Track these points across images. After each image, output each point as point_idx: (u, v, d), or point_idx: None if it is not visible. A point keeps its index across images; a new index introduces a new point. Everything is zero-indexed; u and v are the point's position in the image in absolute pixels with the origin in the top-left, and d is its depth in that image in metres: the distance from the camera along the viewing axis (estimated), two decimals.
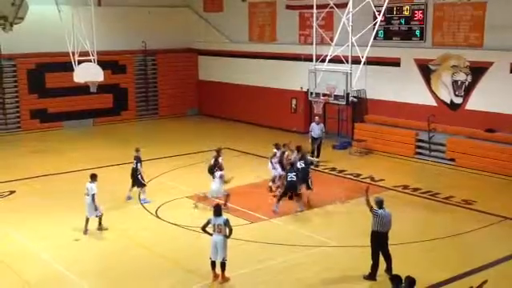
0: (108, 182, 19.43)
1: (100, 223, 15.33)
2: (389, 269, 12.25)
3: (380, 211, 12.32)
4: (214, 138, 26.78)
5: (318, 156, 22.04)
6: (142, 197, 17.68)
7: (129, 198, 17.78)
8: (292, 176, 16.55)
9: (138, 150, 17.97)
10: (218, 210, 12.34)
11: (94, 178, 15.25)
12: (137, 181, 17.63)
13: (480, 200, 17.51)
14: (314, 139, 22.06)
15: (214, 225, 12.20)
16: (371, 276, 12.33)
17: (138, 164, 17.64)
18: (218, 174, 16.81)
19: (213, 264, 12.27)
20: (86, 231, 15.02)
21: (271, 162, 18.56)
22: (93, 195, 14.93)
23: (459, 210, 16.93)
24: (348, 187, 19.31)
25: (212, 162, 17.85)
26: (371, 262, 12.36)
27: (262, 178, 19.35)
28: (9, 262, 13.52)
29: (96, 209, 15.07)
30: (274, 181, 18.41)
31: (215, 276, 12.28)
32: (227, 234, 12.24)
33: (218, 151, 18.15)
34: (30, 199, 17.80)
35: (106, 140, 26.84)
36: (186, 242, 14.78)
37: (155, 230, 15.53)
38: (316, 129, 22.02)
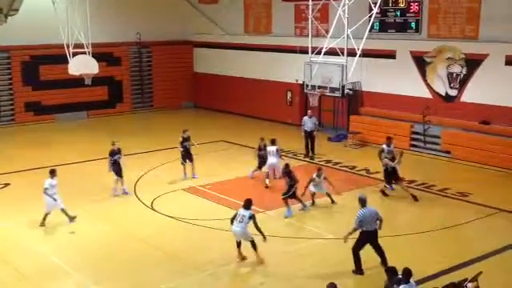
0: (103, 175, 19.46)
1: (67, 215, 15.28)
2: (384, 261, 12.25)
3: (364, 211, 12.23)
4: (210, 130, 26.81)
5: (312, 150, 21.98)
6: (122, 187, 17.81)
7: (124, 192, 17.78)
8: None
9: (113, 144, 17.82)
10: (248, 204, 12.87)
11: (52, 173, 15.44)
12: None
13: (475, 192, 17.56)
14: (306, 133, 21.96)
15: (238, 214, 12.75)
16: (358, 270, 12.22)
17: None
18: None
19: (237, 244, 12.87)
20: (42, 223, 15.08)
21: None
22: (45, 189, 15.05)
23: (454, 202, 16.98)
24: (343, 179, 19.33)
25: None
26: (353, 258, 12.27)
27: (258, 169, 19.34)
28: (4, 254, 13.50)
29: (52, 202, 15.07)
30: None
31: (240, 254, 12.88)
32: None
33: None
34: (25, 191, 17.76)
35: (101, 133, 26.75)
36: (181, 234, 14.79)
37: (150, 222, 15.53)
38: (308, 122, 21.91)
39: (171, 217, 15.73)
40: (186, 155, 19.15)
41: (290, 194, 15.82)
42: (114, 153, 17.62)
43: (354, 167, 20.64)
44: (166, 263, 13.01)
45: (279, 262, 13.03)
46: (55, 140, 25.30)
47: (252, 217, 12.64)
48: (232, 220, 12.84)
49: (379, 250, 12.39)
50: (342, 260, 13.09)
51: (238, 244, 12.85)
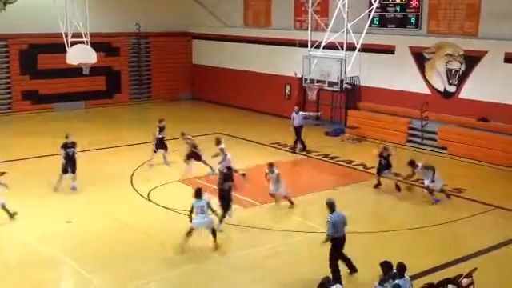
0: (99, 165, 19.48)
1: (7, 212, 14.73)
2: (352, 268, 11.88)
3: (334, 216, 11.66)
4: (207, 122, 26.79)
5: (302, 144, 21.80)
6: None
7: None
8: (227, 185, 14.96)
9: (67, 137, 17.44)
10: (198, 193, 12.90)
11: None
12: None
13: (471, 188, 17.59)
14: (295, 129, 21.68)
15: (196, 207, 12.79)
16: (337, 280, 11.23)
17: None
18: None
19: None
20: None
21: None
22: None
23: (451, 198, 16.98)
24: (340, 174, 19.35)
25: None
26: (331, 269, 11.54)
27: (255, 163, 19.34)
28: (3, 244, 13.48)
29: None
30: None
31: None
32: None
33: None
34: (21, 181, 17.69)
35: (98, 123, 26.72)
36: (177, 225, 14.73)
37: (146, 213, 15.52)
38: (296, 118, 21.64)
39: (167, 208, 15.73)
40: (161, 144, 19.57)
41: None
42: (67, 146, 17.05)
43: (350, 162, 20.64)
44: (161, 253, 13.02)
45: (275, 255, 13.05)
46: (52, 129, 25.19)
47: (209, 203, 12.89)
48: (190, 214, 12.85)
49: (346, 259, 11.84)
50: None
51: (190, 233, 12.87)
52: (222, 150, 17.44)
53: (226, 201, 14.25)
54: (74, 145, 17.26)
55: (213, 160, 17.73)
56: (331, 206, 11.78)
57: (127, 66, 31.54)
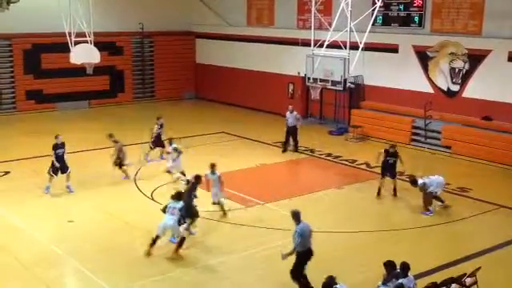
0: (103, 164, 19.46)
1: None
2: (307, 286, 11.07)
3: (301, 226, 10.93)
4: (211, 121, 26.82)
5: (295, 144, 21.54)
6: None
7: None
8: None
9: (57, 137, 17.16)
10: (178, 195, 12.84)
11: None
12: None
13: (475, 188, 17.56)
14: (288, 128, 21.36)
15: (169, 207, 12.66)
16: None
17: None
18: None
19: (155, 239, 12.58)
20: None
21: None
22: None
23: (454, 197, 16.95)
24: (343, 173, 19.34)
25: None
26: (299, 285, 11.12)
27: (259, 162, 19.35)
28: (2, 242, 13.51)
29: None
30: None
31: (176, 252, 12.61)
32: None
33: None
34: (25, 180, 17.75)
35: (102, 122, 26.73)
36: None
37: (150, 213, 15.47)
38: (290, 118, 21.35)
39: None
40: (158, 142, 19.75)
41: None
42: (58, 147, 16.84)
43: (354, 161, 20.62)
44: (165, 253, 12.99)
45: (277, 255, 13.03)
46: (56, 129, 25.19)
47: (182, 209, 12.59)
48: (164, 211, 12.77)
49: (304, 275, 11.06)
50: (339, 254, 13.13)
51: (156, 239, 12.53)
52: (175, 149, 17.50)
53: (189, 212, 13.52)
54: (63, 145, 16.96)
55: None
56: (296, 216, 11.01)
57: (131, 66, 31.56)
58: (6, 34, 27.65)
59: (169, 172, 17.61)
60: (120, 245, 13.47)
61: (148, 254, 12.55)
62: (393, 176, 16.83)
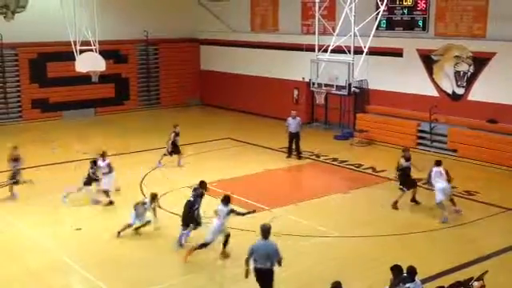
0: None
1: None
2: None
3: (258, 243, 10.35)
4: (217, 128, 26.85)
5: (298, 151, 21.32)
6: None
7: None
8: (192, 195, 14.15)
9: (14, 148, 17.32)
10: (225, 200, 12.80)
11: None
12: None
13: (482, 191, 17.51)
14: (291, 134, 21.17)
15: (217, 210, 12.80)
16: None
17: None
18: None
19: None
20: None
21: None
22: None
23: (461, 200, 16.87)
24: (349, 178, 19.32)
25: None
26: None
27: (264, 167, 19.37)
28: (10, 250, 13.57)
29: None
30: None
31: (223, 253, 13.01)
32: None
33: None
34: (32, 188, 17.79)
35: (108, 130, 26.83)
36: None
37: (156, 219, 15.52)
38: (293, 124, 21.17)
39: (177, 214, 15.71)
40: (175, 149, 19.98)
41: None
42: (15, 159, 16.80)
43: (360, 165, 20.60)
44: (170, 260, 13.03)
45: (284, 259, 13.02)
46: (63, 137, 25.35)
47: (230, 212, 12.70)
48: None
49: None
50: (346, 258, 13.12)
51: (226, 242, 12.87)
52: (108, 165, 16.71)
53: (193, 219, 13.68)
54: (18, 159, 16.85)
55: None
56: (264, 232, 10.35)
57: (136, 73, 31.67)
58: (12, 44, 27.81)
59: (106, 193, 16.52)
60: (126, 252, 13.49)
61: (226, 256, 12.89)
62: (413, 185, 16.26)
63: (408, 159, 16.47)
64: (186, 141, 23.59)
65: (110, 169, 16.73)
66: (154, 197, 14.50)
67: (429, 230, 14.58)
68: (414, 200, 16.52)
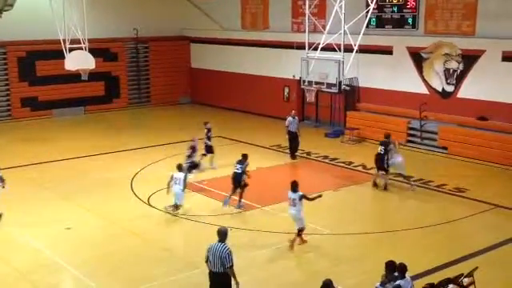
0: (99, 170, 19.50)
1: None
2: None
3: (212, 245, 10.04)
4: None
5: (294, 152, 21.10)
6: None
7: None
8: (238, 168, 16.06)
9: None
10: (294, 186, 13.44)
11: None
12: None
13: (472, 188, 17.60)
14: (291, 134, 20.96)
15: (288, 199, 13.37)
16: None
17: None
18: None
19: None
20: None
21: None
22: None
23: (451, 197, 17.00)
24: (340, 175, 19.35)
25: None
26: None
27: (256, 165, 19.32)
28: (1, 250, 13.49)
29: None
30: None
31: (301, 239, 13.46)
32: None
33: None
34: (21, 187, 17.70)
35: (98, 128, 26.74)
36: (177, 229, 14.81)
37: (146, 218, 15.50)
38: (293, 123, 20.93)
39: (167, 212, 15.72)
40: (208, 149, 19.85)
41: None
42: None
43: (350, 163, 20.64)
44: (161, 259, 13.01)
45: (275, 257, 13.05)
46: (52, 136, 25.24)
47: (301, 197, 13.26)
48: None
49: None
50: (336, 255, 13.15)
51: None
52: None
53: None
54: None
55: None
56: (220, 236, 10.13)
57: (126, 71, 31.56)
58: (0, 42, 27.63)
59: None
60: (118, 251, 13.45)
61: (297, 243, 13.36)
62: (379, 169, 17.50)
63: (384, 144, 17.41)
64: (175, 139, 23.62)
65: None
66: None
67: (418, 228, 14.63)
68: (375, 184, 17.53)
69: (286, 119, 21.24)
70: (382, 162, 17.36)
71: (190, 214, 15.50)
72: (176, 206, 15.44)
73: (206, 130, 19.99)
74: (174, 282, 11.91)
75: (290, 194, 13.43)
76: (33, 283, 11.96)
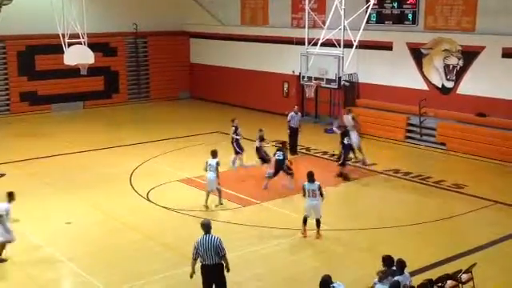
0: (98, 165, 19.49)
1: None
2: None
3: (201, 239, 9.98)
4: (206, 121, 26.80)
5: (295, 147, 20.90)
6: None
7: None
8: (279, 154, 17.04)
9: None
10: (311, 177, 13.63)
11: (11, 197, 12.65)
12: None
13: (471, 184, 17.60)
14: (292, 130, 20.80)
15: (308, 190, 13.52)
16: None
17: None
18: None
19: (305, 220, 13.60)
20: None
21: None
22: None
23: (450, 193, 17.02)
24: (339, 171, 19.33)
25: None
26: None
27: (255, 161, 19.33)
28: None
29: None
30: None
31: (305, 232, 13.62)
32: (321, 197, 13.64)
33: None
34: (20, 182, 17.70)
35: (97, 123, 26.72)
36: (175, 224, 14.80)
37: (146, 213, 15.52)
38: (294, 118, 20.80)
39: (166, 208, 15.73)
40: (239, 146, 19.29)
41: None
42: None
43: (349, 159, 20.58)
44: (160, 254, 13.03)
45: (274, 253, 13.07)
46: (51, 130, 25.22)
47: (320, 187, 13.56)
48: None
49: None
50: (335, 251, 13.17)
51: (305, 219, 13.58)
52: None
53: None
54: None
55: None
56: (205, 228, 10.07)
57: (125, 66, 31.51)
58: (0, 36, 27.56)
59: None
60: (117, 246, 13.46)
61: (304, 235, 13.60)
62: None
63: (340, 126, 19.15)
64: (174, 134, 23.62)
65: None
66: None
67: (417, 223, 14.65)
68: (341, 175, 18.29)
69: (285, 115, 21.20)
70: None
71: (187, 209, 15.49)
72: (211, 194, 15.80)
73: (233, 128, 19.33)
74: (173, 277, 11.91)
75: (309, 185, 13.59)
76: (31, 278, 11.96)
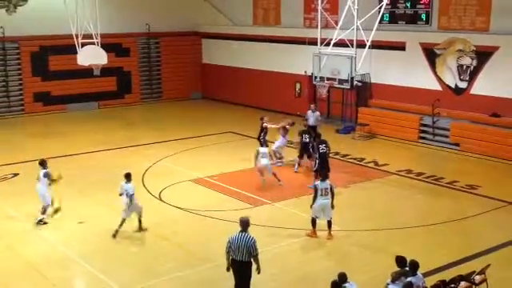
0: (111, 165, 19.56)
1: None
2: None
3: (235, 236, 10.20)
4: (218, 121, 26.85)
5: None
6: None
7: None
8: (323, 147, 17.33)
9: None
10: (324, 175, 13.84)
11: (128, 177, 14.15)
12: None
13: (484, 185, 17.47)
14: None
15: (321, 189, 13.43)
16: None
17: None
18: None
19: (314, 221, 13.56)
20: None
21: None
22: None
23: (463, 194, 16.90)
24: (351, 171, 19.29)
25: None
26: None
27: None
28: (13, 244, 13.58)
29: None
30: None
31: (314, 233, 13.60)
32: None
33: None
34: (34, 182, 17.78)
35: (110, 123, 26.84)
36: (187, 224, 14.83)
37: (158, 213, 15.55)
38: (312, 117, 20.89)
39: (178, 207, 15.76)
40: (263, 141, 19.29)
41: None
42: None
43: (362, 159, 20.58)
44: (172, 254, 13.05)
45: (286, 253, 13.05)
46: (65, 131, 25.36)
47: (332, 186, 13.57)
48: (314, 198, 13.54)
49: None
50: (347, 252, 13.13)
51: (314, 221, 13.55)
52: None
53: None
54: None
55: None
56: (243, 225, 10.27)
57: (138, 67, 31.65)
58: (14, 37, 27.79)
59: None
60: (128, 245, 13.50)
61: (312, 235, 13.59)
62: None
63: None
64: (186, 134, 23.68)
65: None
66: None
67: (430, 224, 14.57)
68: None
69: (298, 115, 21.24)
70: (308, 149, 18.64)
71: (199, 209, 15.51)
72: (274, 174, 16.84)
73: (261, 127, 19.33)
74: (184, 277, 11.94)
75: (322, 184, 13.54)
76: (44, 276, 12.03)
